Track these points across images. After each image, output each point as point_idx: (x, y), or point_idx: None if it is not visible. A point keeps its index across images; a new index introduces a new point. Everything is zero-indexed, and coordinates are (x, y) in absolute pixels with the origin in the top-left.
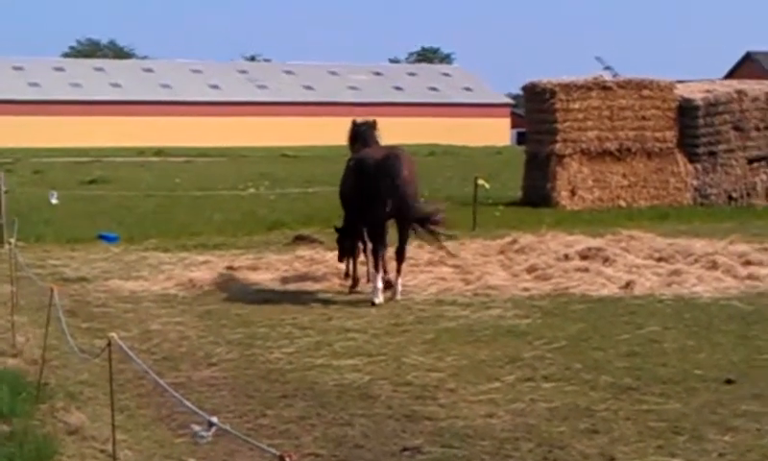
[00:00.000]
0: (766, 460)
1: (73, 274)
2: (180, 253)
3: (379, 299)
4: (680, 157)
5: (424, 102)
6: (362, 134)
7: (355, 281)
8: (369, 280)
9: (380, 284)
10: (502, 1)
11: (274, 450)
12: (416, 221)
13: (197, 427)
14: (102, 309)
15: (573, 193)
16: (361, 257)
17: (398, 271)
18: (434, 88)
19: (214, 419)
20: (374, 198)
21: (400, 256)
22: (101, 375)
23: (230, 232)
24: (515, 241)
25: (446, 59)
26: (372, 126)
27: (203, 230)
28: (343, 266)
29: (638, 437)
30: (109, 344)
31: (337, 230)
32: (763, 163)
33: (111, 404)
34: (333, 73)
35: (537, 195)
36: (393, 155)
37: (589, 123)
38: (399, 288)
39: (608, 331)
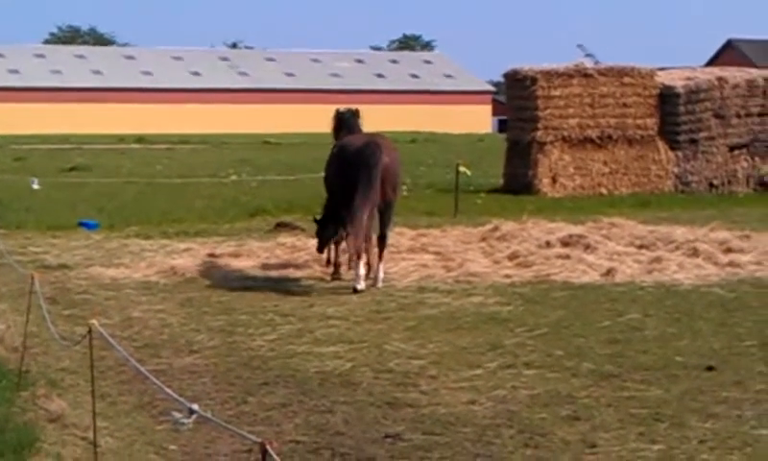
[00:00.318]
0: (747, 447)
1: (54, 261)
2: (162, 240)
3: (361, 285)
4: (661, 145)
5: (406, 89)
6: (346, 122)
7: (337, 268)
8: (350, 267)
9: (362, 271)
10: None
11: (254, 437)
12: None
13: (177, 415)
14: (83, 296)
15: (554, 180)
16: (343, 244)
17: (380, 257)
18: (415, 76)
19: (195, 406)
20: (353, 184)
21: (382, 243)
22: (82, 362)
23: (212, 220)
24: (496, 228)
25: (428, 46)
26: (356, 114)
27: (184, 217)
28: (324, 256)
29: (620, 424)
30: (90, 331)
31: (316, 221)
32: (744, 151)
33: (92, 392)
34: (315, 60)
35: (518, 182)
36: (373, 142)
37: (571, 110)
38: (381, 275)
39: (589, 318)
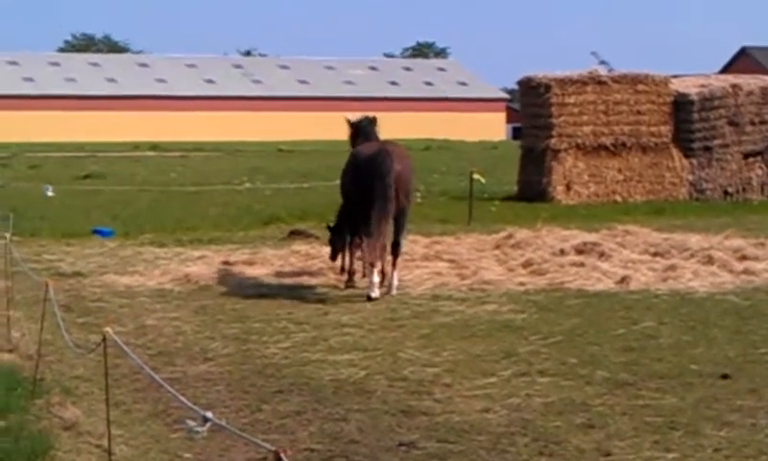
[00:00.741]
0: (762, 455)
1: (68, 268)
2: (176, 247)
3: (376, 293)
4: (675, 152)
5: (420, 96)
6: (363, 130)
7: (351, 275)
8: (364, 275)
9: (376, 279)
10: None
11: (269, 446)
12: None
13: (192, 423)
14: (97, 304)
15: (569, 188)
16: (357, 252)
17: (394, 265)
18: (429, 83)
19: (209, 414)
20: (367, 193)
21: (396, 250)
22: (96, 370)
23: (226, 227)
24: (510, 236)
25: (442, 53)
26: (373, 121)
27: (198, 224)
28: (338, 263)
29: (634, 432)
30: (104, 339)
31: (329, 228)
32: (758, 158)
33: (107, 400)
34: (329, 68)
35: (532, 190)
36: (384, 150)
37: (585, 118)
38: (396, 283)
39: (603, 326)
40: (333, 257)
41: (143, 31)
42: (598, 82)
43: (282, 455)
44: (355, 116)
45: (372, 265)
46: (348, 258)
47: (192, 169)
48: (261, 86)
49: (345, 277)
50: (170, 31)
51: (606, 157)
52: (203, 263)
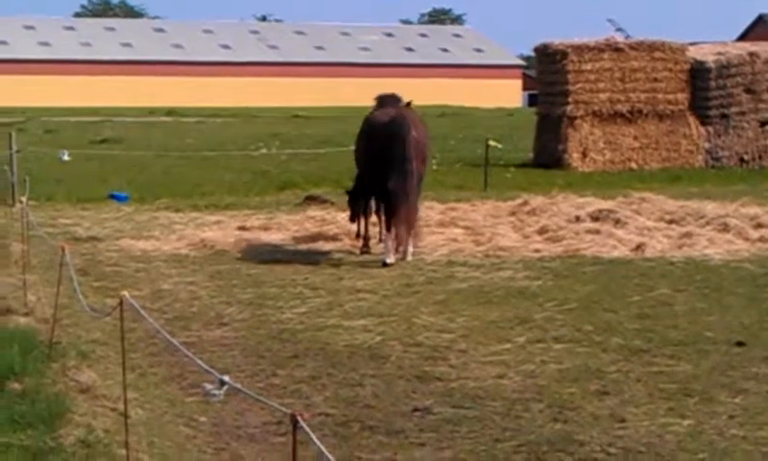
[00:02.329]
0: None
1: (84, 233)
2: (192, 213)
3: (391, 259)
4: (691, 120)
5: (436, 63)
6: (383, 101)
7: (366, 241)
8: (380, 240)
9: (392, 244)
10: None
11: (285, 409)
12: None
13: (209, 386)
14: (113, 268)
15: (584, 155)
16: (372, 218)
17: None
18: (445, 49)
19: (226, 377)
20: (384, 158)
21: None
22: (112, 333)
23: (242, 193)
24: (526, 203)
25: (458, 20)
26: (397, 98)
27: (214, 190)
28: (354, 227)
29: (649, 399)
30: (121, 302)
31: (348, 192)
32: None
33: (123, 363)
34: (344, 34)
35: (548, 157)
36: (399, 116)
37: (601, 85)
38: (411, 249)
39: (619, 293)
40: (352, 219)
41: None
42: (615, 49)
43: (299, 418)
44: (374, 86)
45: (388, 230)
46: (363, 224)
47: (208, 134)
48: (277, 52)
49: (360, 242)
50: None
51: (622, 125)
52: (218, 228)
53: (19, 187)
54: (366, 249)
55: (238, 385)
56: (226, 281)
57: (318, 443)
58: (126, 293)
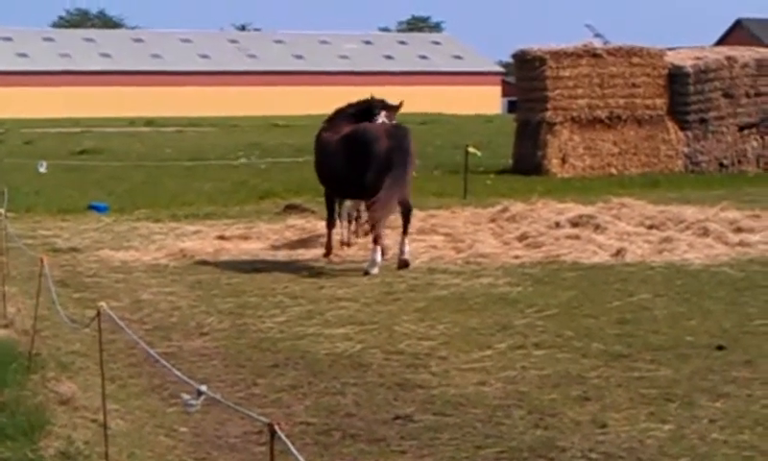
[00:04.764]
0: (757, 426)
1: (64, 244)
2: (171, 223)
3: (375, 271)
4: (670, 125)
5: (415, 70)
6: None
7: (328, 250)
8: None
9: (379, 257)
10: None
11: (264, 419)
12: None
13: (186, 396)
14: (93, 279)
15: (564, 161)
16: (353, 225)
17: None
18: (424, 57)
19: (203, 387)
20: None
21: (408, 217)
22: (92, 345)
23: (221, 202)
24: (506, 209)
25: (436, 27)
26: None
27: (193, 199)
28: (336, 238)
29: (630, 404)
30: (98, 314)
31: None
32: (754, 130)
33: (102, 374)
34: (323, 42)
35: (528, 163)
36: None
37: (580, 91)
38: (407, 248)
39: (599, 299)
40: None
41: (138, 6)
42: (593, 54)
43: (276, 428)
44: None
45: (375, 242)
46: (346, 230)
47: (187, 144)
48: (256, 61)
49: (345, 249)
50: (165, 6)
51: (601, 130)
52: (198, 238)
53: None
54: (327, 255)
55: (216, 395)
56: (205, 291)
57: (295, 452)
58: (103, 304)
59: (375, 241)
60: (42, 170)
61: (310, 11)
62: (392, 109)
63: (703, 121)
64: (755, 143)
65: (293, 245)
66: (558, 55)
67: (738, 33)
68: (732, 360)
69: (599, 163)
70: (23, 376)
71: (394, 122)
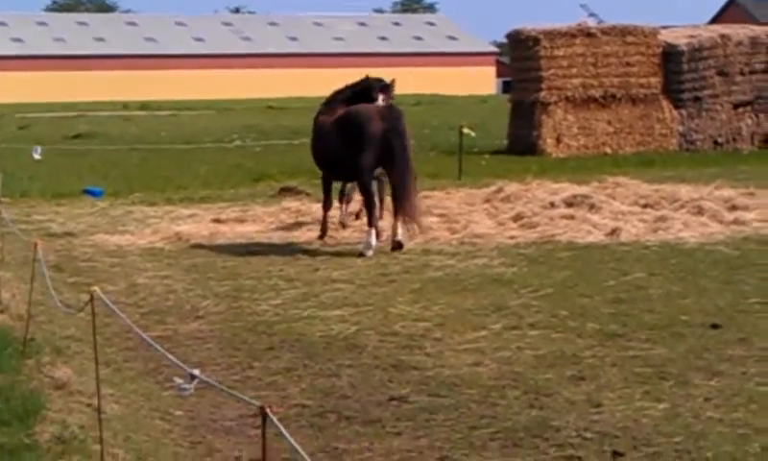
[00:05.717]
0: (751, 404)
1: (59, 229)
2: (166, 206)
3: (370, 253)
4: (665, 104)
5: (409, 52)
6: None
7: (324, 231)
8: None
9: (374, 241)
10: None
11: (255, 402)
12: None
13: (179, 380)
14: (88, 264)
15: (559, 141)
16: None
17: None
18: (419, 38)
19: (196, 371)
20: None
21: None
22: (87, 329)
23: (216, 185)
24: (500, 190)
25: (430, 8)
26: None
27: (188, 183)
28: (335, 219)
29: (625, 383)
30: (92, 298)
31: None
32: (748, 108)
33: (96, 358)
34: (318, 24)
35: (522, 143)
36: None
37: (574, 70)
38: (401, 231)
39: (594, 278)
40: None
41: None
42: (587, 34)
43: (268, 411)
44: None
45: (371, 225)
46: (343, 210)
47: (182, 127)
48: (250, 44)
49: (341, 230)
50: None
51: (595, 110)
52: (193, 221)
53: None
54: (322, 235)
55: (209, 379)
56: (201, 274)
57: (287, 435)
58: (97, 288)
59: (370, 223)
60: (37, 156)
61: None
62: (388, 89)
63: (697, 99)
64: (749, 121)
65: (288, 227)
66: (552, 34)
67: (733, 11)
68: (726, 338)
69: (594, 143)
70: (18, 362)
71: (389, 103)
